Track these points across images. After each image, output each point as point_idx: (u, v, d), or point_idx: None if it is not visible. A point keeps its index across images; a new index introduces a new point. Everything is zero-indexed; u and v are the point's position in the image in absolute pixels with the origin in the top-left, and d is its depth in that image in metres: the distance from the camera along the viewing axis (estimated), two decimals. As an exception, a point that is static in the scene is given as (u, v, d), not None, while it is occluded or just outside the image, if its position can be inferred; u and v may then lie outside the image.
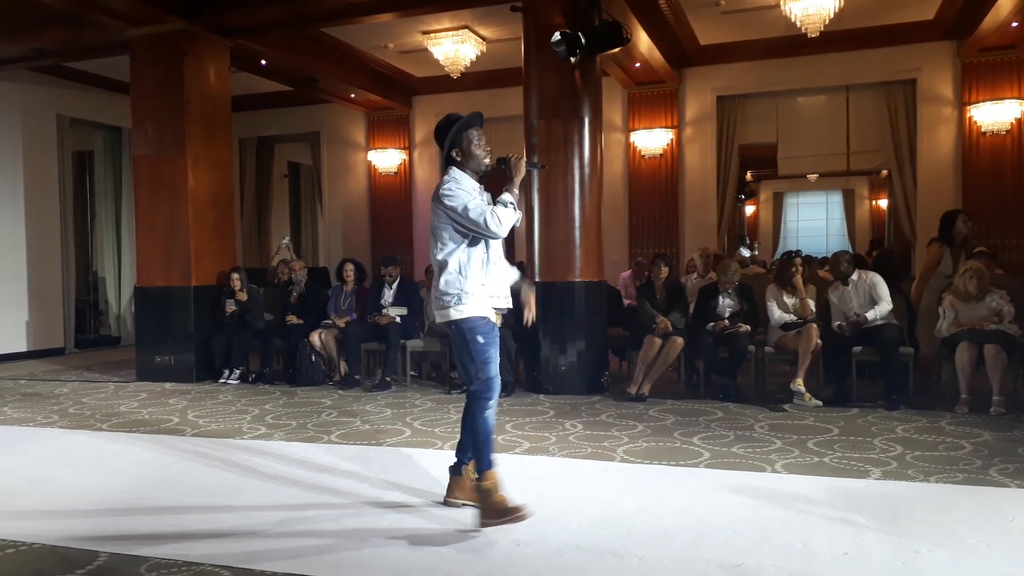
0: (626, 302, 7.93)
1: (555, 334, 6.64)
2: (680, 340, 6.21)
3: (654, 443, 4.76)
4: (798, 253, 6.69)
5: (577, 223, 6.66)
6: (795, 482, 3.91)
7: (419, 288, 7.63)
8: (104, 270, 11.74)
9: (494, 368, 3.39)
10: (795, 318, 6.22)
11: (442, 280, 3.37)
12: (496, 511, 3.22)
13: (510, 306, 3.51)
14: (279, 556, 3.01)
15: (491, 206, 3.32)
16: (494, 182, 3.51)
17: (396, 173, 11.52)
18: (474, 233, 3.33)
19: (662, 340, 6.24)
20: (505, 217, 3.29)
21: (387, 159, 11.52)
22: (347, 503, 3.65)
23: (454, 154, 3.43)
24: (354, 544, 3.14)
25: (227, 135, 8.29)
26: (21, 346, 9.83)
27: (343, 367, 7.25)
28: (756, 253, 15.95)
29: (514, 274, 3.66)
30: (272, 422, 5.63)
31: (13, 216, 9.83)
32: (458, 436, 3.63)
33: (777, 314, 6.27)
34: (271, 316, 7.87)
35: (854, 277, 6.09)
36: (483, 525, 3.23)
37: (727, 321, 6.28)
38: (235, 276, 7.65)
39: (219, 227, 8.09)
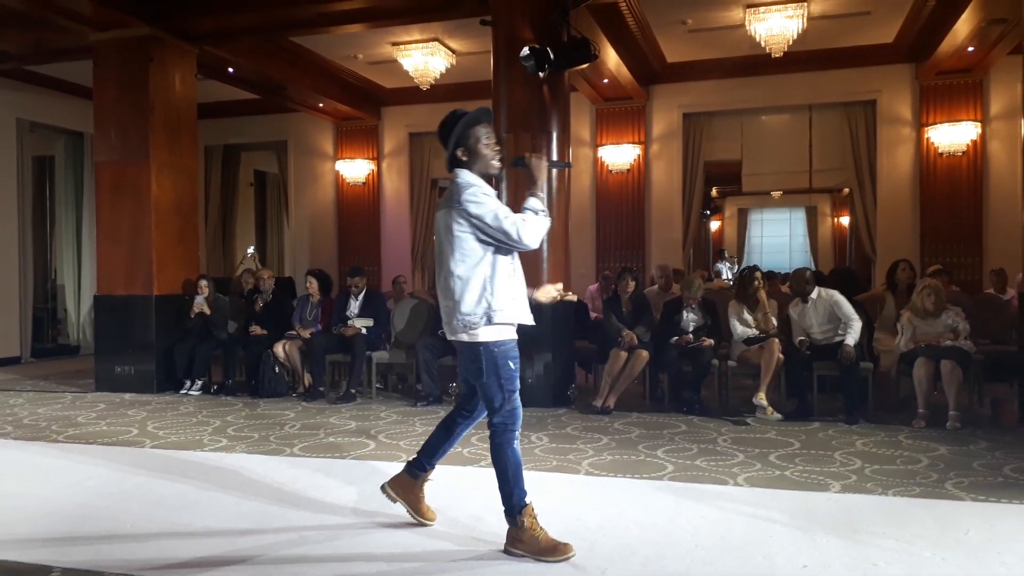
0: (593, 315, 7.98)
1: (521, 347, 6.56)
2: (645, 353, 6.26)
3: (619, 456, 4.79)
4: (756, 268, 6.79)
5: (544, 237, 6.67)
6: (757, 495, 3.95)
7: (385, 299, 7.60)
8: (63, 277, 11.49)
9: (518, 397, 3.16)
10: (757, 333, 6.31)
11: (465, 297, 3.05)
12: (546, 548, 3.05)
13: (533, 322, 3.24)
14: (238, 571, 2.96)
15: (520, 215, 3.06)
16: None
17: (364, 183, 11.48)
18: (501, 244, 3.06)
19: (628, 353, 6.28)
20: (539, 227, 3.06)
21: (355, 169, 11.49)
22: (308, 517, 3.61)
23: (459, 153, 3.13)
24: (314, 559, 3.10)
25: (192, 142, 8.19)
26: (-26, 354, 9.59)
27: (307, 379, 7.18)
28: (735, 268, 16.09)
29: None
30: (234, 434, 5.55)
31: (-31, 221, 9.60)
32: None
33: (739, 329, 6.35)
34: (235, 325, 7.77)
35: (813, 295, 6.19)
36: (544, 560, 3.03)
37: (691, 335, 6.35)
38: (203, 283, 7.55)
39: (183, 235, 7.98)
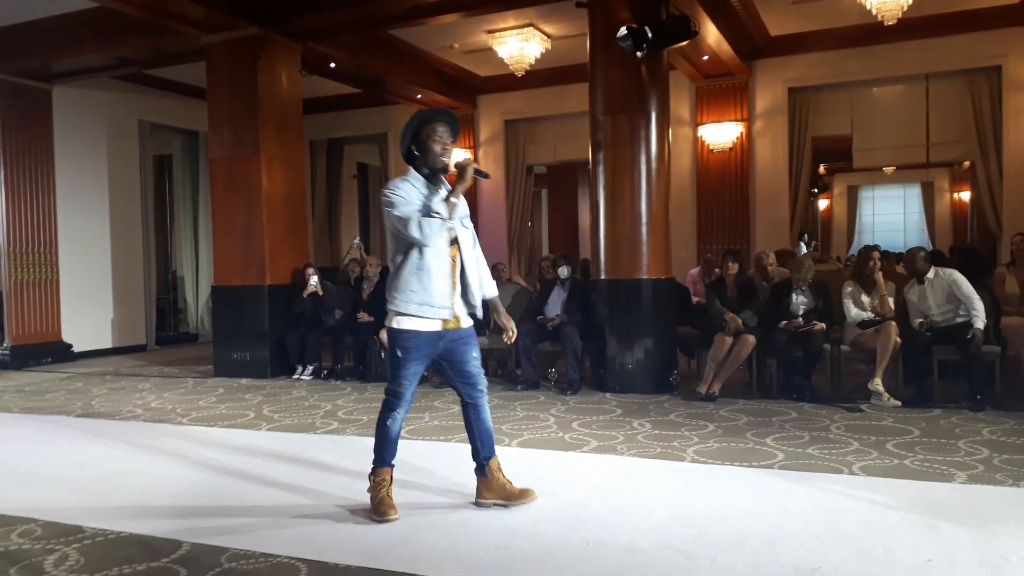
0: (694, 299, 7.81)
1: (622, 332, 6.59)
2: (751, 339, 6.08)
3: (726, 443, 4.68)
4: (876, 247, 6.44)
5: (644, 219, 6.58)
6: (874, 485, 3.78)
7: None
8: (183, 269, 12.18)
9: (403, 385, 3.41)
10: (873, 315, 6.02)
11: (390, 283, 3.41)
12: (373, 507, 3.40)
13: (456, 315, 3.42)
14: (354, 549, 3.06)
15: (419, 215, 3.26)
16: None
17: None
18: (405, 238, 3.30)
19: (733, 338, 6.12)
20: (429, 228, 3.25)
21: (452, 159, 11.58)
22: (418, 498, 3.69)
23: (413, 148, 3.40)
24: (427, 538, 3.17)
25: (299, 137, 8.49)
26: (107, 342, 10.28)
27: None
28: (812, 248, 15.43)
29: (490, 286, 3.60)
30: (344, 417, 5.74)
31: (99, 218, 10.28)
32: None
33: (854, 311, 6.07)
34: (341, 313, 8.02)
35: (930, 275, 5.84)
36: (367, 516, 3.39)
37: (801, 319, 6.12)
38: (310, 270, 7.82)
39: (292, 227, 8.29)
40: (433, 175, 3.42)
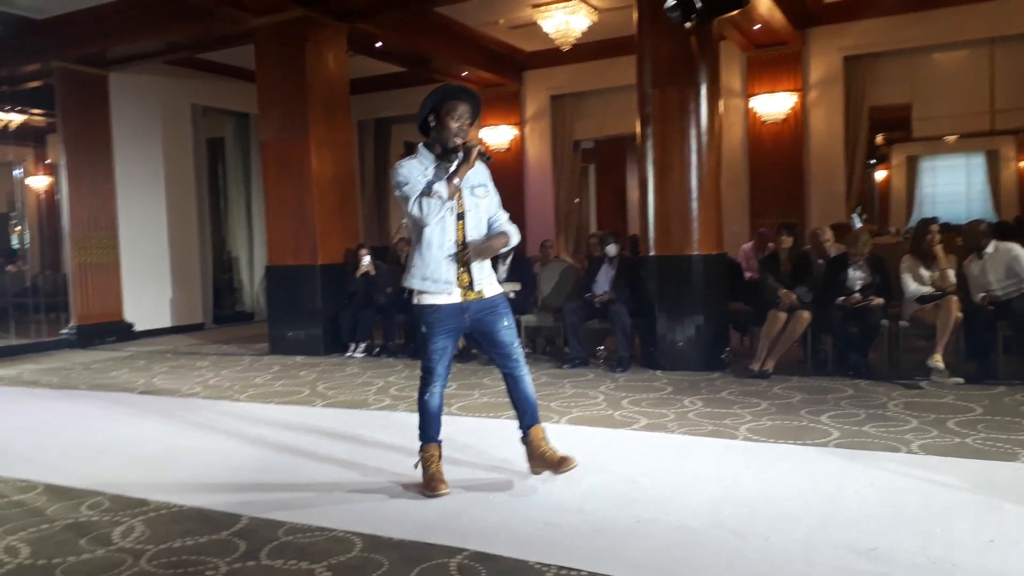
0: (747, 275, 7.69)
1: (672, 309, 6.52)
2: (806, 314, 5.96)
3: (779, 421, 4.61)
4: (934, 220, 6.24)
5: (694, 194, 6.48)
6: (933, 464, 3.69)
7: (531, 263, 7.65)
8: (237, 250, 12.44)
9: (435, 360, 3.45)
10: (932, 290, 5.84)
11: (408, 262, 3.48)
12: (424, 482, 3.45)
13: (477, 288, 3.42)
14: (406, 523, 3.11)
15: (423, 194, 3.28)
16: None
17: (508, 149, 11.56)
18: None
19: (787, 314, 6.01)
20: (427, 207, 3.27)
21: (499, 136, 11.58)
22: (468, 474, 3.73)
23: (430, 119, 3.39)
24: (478, 513, 3.21)
25: (347, 117, 8.55)
26: (166, 322, 10.59)
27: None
28: (863, 222, 15.00)
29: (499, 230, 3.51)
30: (396, 394, 5.82)
31: (155, 201, 10.55)
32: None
33: (913, 286, 5.90)
34: (391, 290, 8.10)
35: (989, 249, 5.63)
36: (418, 491, 3.45)
37: (858, 295, 5.97)
38: (363, 251, 7.91)
39: (342, 207, 8.39)
40: (444, 152, 3.40)
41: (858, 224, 12.69)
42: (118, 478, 3.86)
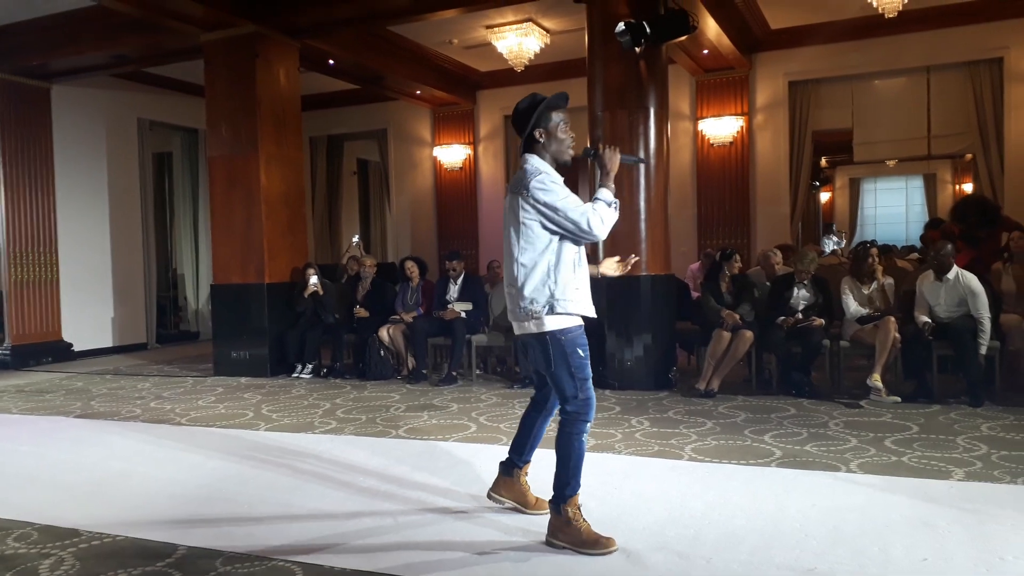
0: (694, 295, 7.79)
1: (620, 328, 6.58)
2: (749, 334, 6.07)
3: (724, 441, 4.67)
4: (873, 243, 6.45)
5: (643, 215, 6.56)
6: (871, 482, 3.77)
7: (483, 283, 7.66)
8: (183, 267, 12.18)
9: (591, 385, 3.09)
10: (872, 311, 6.00)
11: (528, 285, 3.01)
12: (588, 541, 3.00)
13: (595, 315, 3.19)
14: (349, 552, 3.06)
15: (591, 204, 3.00)
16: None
17: (461, 168, 11.58)
18: (567, 232, 3.00)
19: (731, 334, 6.10)
20: (608, 218, 3.00)
21: (452, 155, 11.59)
22: (414, 501, 3.69)
23: (537, 134, 3.07)
24: (420, 544, 3.17)
25: (297, 134, 8.46)
26: (107, 341, 10.30)
27: (411, 362, 7.35)
28: (843, 244, 15.37)
29: None
30: (343, 416, 5.74)
31: (99, 216, 10.28)
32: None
33: (853, 307, 6.06)
34: (337, 316, 8.01)
35: (951, 275, 5.72)
36: (584, 552, 2.98)
37: (800, 314, 6.10)
38: (310, 270, 7.81)
39: (292, 225, 8.28)
40: (556, 166, 3.14)
41: (831, 244, 12.96)
42: (49, 508, 3.72)
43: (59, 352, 9.56)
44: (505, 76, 10.45)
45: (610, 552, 2.96)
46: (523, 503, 3.46)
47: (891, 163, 14.85)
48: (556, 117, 3.10)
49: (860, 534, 3.09)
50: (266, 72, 7.94)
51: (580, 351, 3.05)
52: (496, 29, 8.84)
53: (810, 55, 9.49)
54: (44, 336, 9.48)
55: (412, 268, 7.69)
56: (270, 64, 7.99)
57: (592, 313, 3.14)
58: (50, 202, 9.62)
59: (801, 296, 6.23)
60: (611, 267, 3.54)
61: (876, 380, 5.64)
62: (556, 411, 3.34)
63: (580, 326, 3.08)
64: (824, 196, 17.95)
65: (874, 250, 6.23)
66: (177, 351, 10.34)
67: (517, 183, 3.06)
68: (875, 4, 7.35)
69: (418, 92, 10.91)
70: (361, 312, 7.71)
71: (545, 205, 2.97)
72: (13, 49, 8.81)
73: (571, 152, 3.15)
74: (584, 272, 3.13)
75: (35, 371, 8.84)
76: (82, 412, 6.23)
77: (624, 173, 6.52)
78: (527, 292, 3.02)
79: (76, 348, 9.79)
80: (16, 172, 9.27)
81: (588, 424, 3.11)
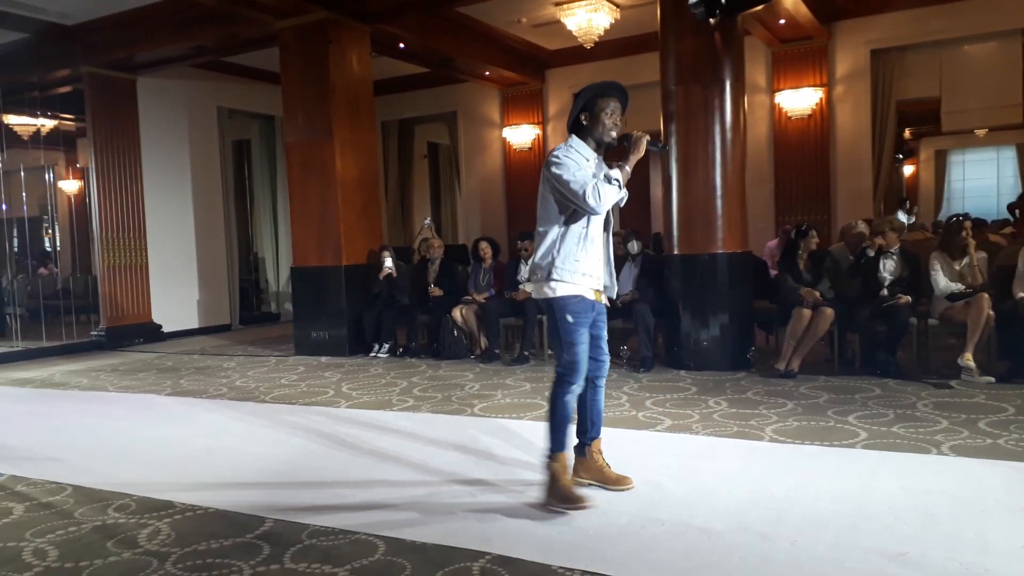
0: (772, 272, 7.60)
1: (696, 308, 6.46)
2: (830, 312, 5.88)
3: (805, 422, 4.55)
4: (967, 216, 6.13)
5: (719, 192, 6.42)
6: (965, 466, 3.62)
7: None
8: (263, 251, 12.55)
9: (581, 351, 3.27)
10: (963, 288, 5.74)
11: (538, 253, 3.31)
12: (562, 495, 3.23)
13: (608, 288, 3.41)
14: (428, 524, 3.12)
15: (595, 180, 3.17)
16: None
17: (530, 148, 11.55)
18: (573, 205, 3.21)
19: (812, 312, 5.93)
20: (606, 193, 3.16)
21: (521, 135, 11.56)
22: (491, 478, 3.72)
23: (582, 117, 3.31)
24: (500, 517, 3.20)
25: (370, 119, 8.59)
26: (193, 323, 10.72)
27: (484, 342, 7.40)
28: (915, 219, 14.82)
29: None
30: (419, 394, 5.83)
31: (183, 203, 10.68)
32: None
33: (943, 283, 5.80)
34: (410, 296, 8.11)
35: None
36: (547, 505, 3.24)
37: (886, 290, 5.88)
38: (386, 252, 7.95)
39: (366, 208, 8.42)
40: (598, 147, 3.35)
41: (904, 218, 12.50)
42: (145, 480, 3.91)
43: (149, 333, 10.00)
44: (574, 54, 10.35)
45: (579, 508, 3.17)
46: (602, 480, 3.47)
47: (981, 133, 14.13)
48: (602, 103, 3.31)
49: (953, 519, 2.98)
50: (339, 58, 8.05)
51: (569, 316, 3.26)
52: (565, 6, 8.73)
53: (894, 21, 9.07)
54: (136, 318, 9.93)
55: (486, 249, 7.73)
56: (343, 50, 8.10)
57: (589, 294, 3.30)
58: (138, 189, 10.04)
59: (887, 267, 5.99)
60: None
61: (968, 360, 5.40)
62: (603, 380, 3.50)
63: (577, 296, 3.27)
64: (908, 169, 17.22)
65: (967, 224, 5.93)
66: (259, 332, 10.68)
67: (547, 158, 3.33)
68: (966, -36, 6.97)
69: (487, 73, 10.91)
70: (435, 291, 7.81)
71: (555, 177, 3.22)
72: (101, 44, 9.20)
73: (613, 135, 3.33)
74: (594, 249, 3.30)
75: (128, 351, 9.27)
76: (173, 390, 6.51)
77: (701, 149, 6.40)
78: (537, 258, 3.32)
79: (165, 329, 10.22)
80: (107, 162, 9.69)
81: (572, 386, 3.29)
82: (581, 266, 3.26)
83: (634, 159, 3.30)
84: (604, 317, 3.49)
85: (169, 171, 10.47)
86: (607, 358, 3.51)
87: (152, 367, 7.89)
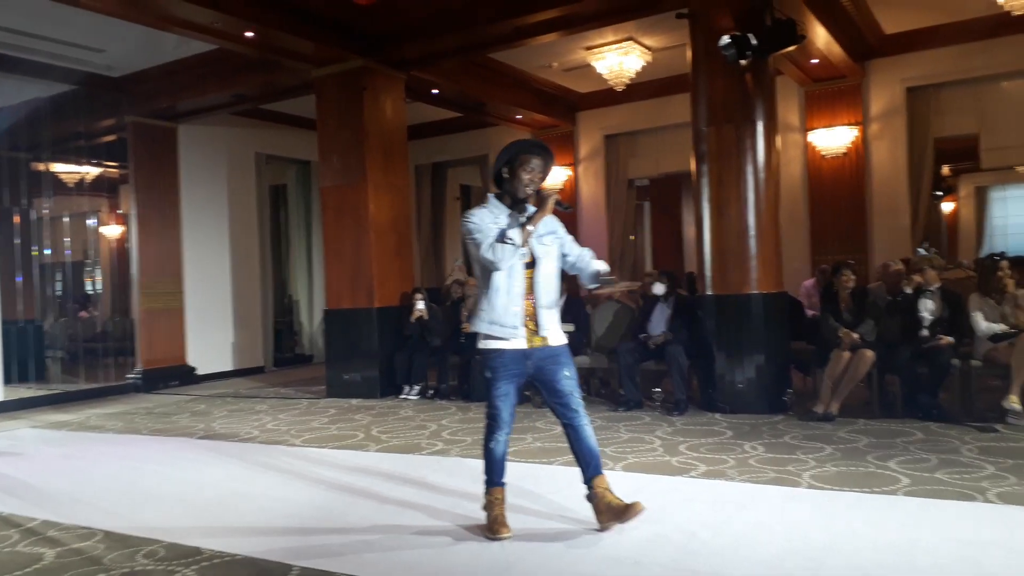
0: (809, 313, 7.47)
1: (731, 349, 6.36)
2: (870, 354, 5.74)
3: (845, 467, 4.41)
4: (1003, 255, 5.98)
5: (752, 231, 6.35)
6: (1013, 514, 3.47)
7: (584, 303, 7.59)
8: (298, 293, 12.70)
9: (500, 405, 3.45)
10: (1006, 328, 5.57)
11: (476, 306, 3.53)
12: (487, 525, 3.50)
13: (542, 334, 3.48)
14: (459, 572, 3.05)
15: (495, 239, 3.34)
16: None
17: (561, 189, 11.58)
18: (480, 262, 3.41)
19: (850, 354, 5.79)
20: (501, 252, 3.32)
21: (552, 176, 11.61)
22: (520, 522, 3.65)
23: (504, 171, 3.46)
24: (531, 564, 3.13)
25: (404, 162, 8.70)
26: (228, 365, 10.82)
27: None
28: (931, 255, 14.45)
29: (593, 268, 3.60)
30: (448, 438, 5.79)
31: (220, 246, 10.87)
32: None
33: (984, 324, 5.64)
34: (442, 338, 8.11)
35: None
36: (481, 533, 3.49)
37: (927, 330, 5.73)
38: (418, 295, 7.98)
39: (399, 250, 8.49)
40: (515, 203, 3.49)
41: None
42: (175, 525, 3.90)
43: (184, 375, 10.12)
44: (606, 96, 10.43)
45: (496, 539, 3.39)
46: (615, 516, 3.42)
47: (1022, 169, 13.86)
48: (523, 159, 3.45)
49: (1003, 570, 2.84)
50: (373, 104, 8.20)
51: (487, 372, 3.46)
52: (596, 50, 8.83)
53: (929, 59, 9.00)
54: (171, 361, 10.06)
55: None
56: (377, 96, 8.25)
57: (508, 344, 3.43)
58: (177, 234, 10.25)
59: (927, 307, 5.85)
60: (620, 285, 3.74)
61: (1014, 402, 5.21)
62: (579, 420, 3.52)
63: (496, 350, 3.44)
64: (947, 207, 16.94)
65: (1003, 263, 5.79)
66: (292, 374, 10.75)
67: None
68: (1001, 2, 6.91)
69: (518, 116, 11.02)
70: (468, 328, 7.80)
71: (466, 233, 3.45)
72: (145, 94, 9.52)
73: (528, 191, 3.46)
74: (498, 297, 3.41)
75: (162, 394, 9.38)
76: (205, 433, 6.54)
77: (733, 189, 6.35)
78: (474, 312, 3.54)
79: (199, 372, 10.33)
80: (147, 208, 9.94)
81: (493, 435, 3.48)
82: (486, 315, 3.44)
83: (538, 216, 3.41)
84: (560, 357, 3.50)
85: (207, 215, 10.69)
86: (570, 399, 3.50)
87: (185, 410, 7.96)
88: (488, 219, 3.44)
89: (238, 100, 9.78)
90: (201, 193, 10.60)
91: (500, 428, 3.48)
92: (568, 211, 3.59)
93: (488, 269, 3.39)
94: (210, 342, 10.58)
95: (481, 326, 3.46)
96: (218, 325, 10.77)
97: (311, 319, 12.41)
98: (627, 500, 3.45)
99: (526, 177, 3.44)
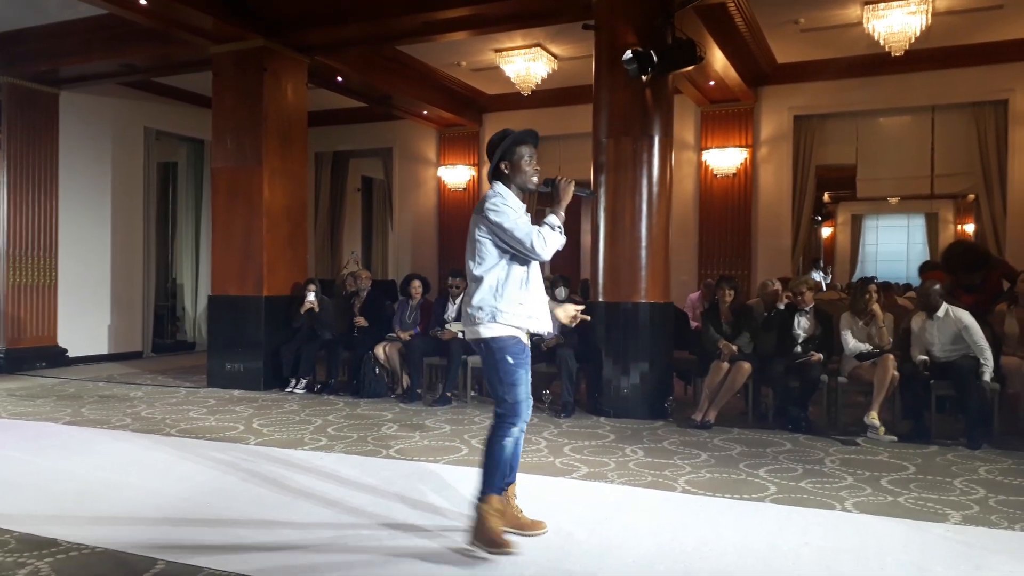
0: (693, 324, 7.76)
1: (618, 355, 6.53)
2: (747, 366, 6.02)
3: (718, 474, 4.61)
4: (872, 279, 6.42)
5: (644, 243, 6.54)
6: (866, 523, 3.71)
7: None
8: (182, 277, 12.16)
9: (523, 391, 3.30)
10: (871, 348, 5.96)
11: (476, 296, 3.28)
12: (488, 539, 3.20)
13: (550, 330, 3.47)
14: (334, 570, 3.00)
15: (537, 227, 3.23)
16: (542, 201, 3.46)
17: (465, 189, 11.61)
18: (517, 252, 3.26)
19: (729, 365, 6.06)
20: (551, 240, 3.24)
21: (456, 175, 11.63)
22: (401, 523, 3.63)
23: (503, 167, 3.37)
24: (405, 564, 3.11)
25: (303, 149, 8.48)
26: (102, 348, 10.25)
27: (406, 380, 7.29)
28: (830, 278, 15.44)
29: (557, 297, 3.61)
30: (334, 433, 5.68)
31: (100, 223, 10.28)
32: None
33: (852, 343, 6.02)
34: (334, 331, 7.96)
35: (940, 313, 5.76)
36: (471, 546, 3.22)
37: (799, 347, 6.07)
38: (311, 286, 7.77)
39: (292, 239, 8.26)
40: (520, 194, 3.40)
41: (819, 277, 13.00)
42: (30, 515, 3.66)
43: (53, 357, 9.51)
44: (512, 99, 10.50)
45: (504, 553, 3.14)
46: (518, 526, 3.42)
47: (893, 201, 14.90)
48: (521, 151, 3.37)
49: (855, 575, 3.03)
50: (274, 87, 7.96)
51: (509, 358, 3.27)
52: (505, 53, 8.89)
53: (816, 90, 9.54)
54: (39, 341, 9.44)
55: (418, 287, 7.65)
56: (278, 79, 8.01)
57: (538, 329, 3.37)
58: (52, 206, 9.62)
59: (802, 325, 6.20)
60: (565, 314, 3.64)
61: (873, 418, 5.59)
62: (523, 426, 3.43)
63: (515, 338, 3.31)
64: (826, 231, 17.98)
65: (872, 287, 6.20)
66: (172, 361, 10.28)
67: (479, 205, 3.35)
68: (882, 42, 7.39)
69: (425, 112, 10.96)
70: (361, 321, 7.68)
71: (496, 225, 3.25)
72: (23, 54, 8.87)
73: (534, 181, 3.39)
74: (534, 290, 3.35)
75: (28, 376, 8.79)
76: (71, 419, 6.17)
77: (628, 201, 6.52)
78: (475, 301, 3.29)
79: (71, 354, 9.74)
80: (20, 175, 9.28)
81: (514, 428, 3.30)
82: (526, 309, 3.29)
83: (564, 203, 3.36)
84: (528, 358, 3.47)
85: (88, 189, 10.09)
86: (530, 402, 3.46)
87: (52, 393, 7.49)
88: (519, 206, 3.32)
89: (128, 70, 9.28)
90: (83, 165, 10.00)
91: (519, 421, 3.30)
92: (592, 197, 3.54)
93: (516, 259, 3.26)
94: (85, 323, 9.99)
95: (516, 319, 3.25)
96: (94, 306, 10.17)
97: (195, 305, 11.91)
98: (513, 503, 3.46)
99: (529, 168, 3.37)
